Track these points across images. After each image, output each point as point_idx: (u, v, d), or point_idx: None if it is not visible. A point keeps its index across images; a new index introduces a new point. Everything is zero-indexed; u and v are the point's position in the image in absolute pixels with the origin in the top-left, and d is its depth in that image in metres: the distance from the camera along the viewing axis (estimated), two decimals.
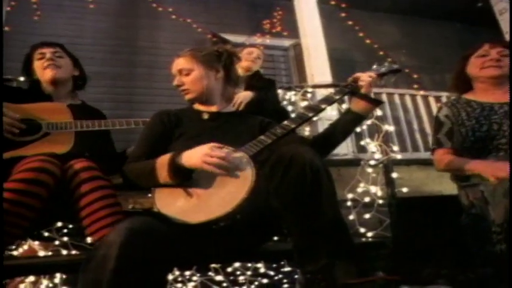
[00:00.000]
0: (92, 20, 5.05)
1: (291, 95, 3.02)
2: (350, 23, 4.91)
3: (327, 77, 3.60)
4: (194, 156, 1.16)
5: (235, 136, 1.36)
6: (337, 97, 1.42)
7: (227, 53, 1.51)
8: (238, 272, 2.04)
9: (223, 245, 1.19)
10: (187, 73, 1.45)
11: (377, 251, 1.56)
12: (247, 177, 1.12)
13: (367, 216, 2.04)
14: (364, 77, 1.42)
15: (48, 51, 1.71)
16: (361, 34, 4.70)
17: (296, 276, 2.25)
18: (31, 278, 1.86)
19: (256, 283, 2.06)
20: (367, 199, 2.16)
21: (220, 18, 5.30)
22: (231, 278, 2.04)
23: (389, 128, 2.44)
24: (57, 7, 4.97)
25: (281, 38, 5.33)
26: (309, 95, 3.05)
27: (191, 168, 1.17)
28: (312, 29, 3.98)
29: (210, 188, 1.16)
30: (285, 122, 1.33)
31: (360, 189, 2.19)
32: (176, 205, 1.15)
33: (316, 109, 1.37)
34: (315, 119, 1.61)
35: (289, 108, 2.92)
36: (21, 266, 1.49)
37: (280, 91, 2.77)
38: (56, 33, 4.41)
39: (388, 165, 2.28)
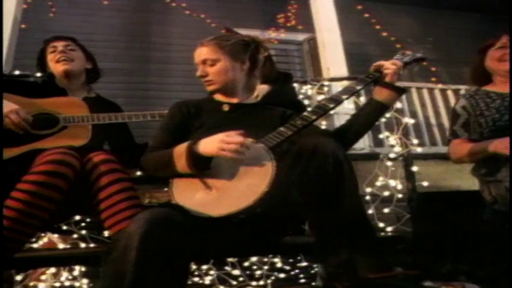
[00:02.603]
0: (106, 17, 5.08)
1: (306, 89, 2.99)
2: (366, 15, 4.82)
3: (343, 71, 3.55)
4: (210, 143, 1.14)
5: (255, 127, 1.33)
6: (359, 87, 1.38)
7: (254, 43, 1.45)
8: (254, 267, 2.03)
9: (242, 238, 1.18)
10: (212, 64, 1.39)
11: (397, 245, 1.54)
12: (267, 170, 1.10)
13: (386, 210, 2.01)
14: (388, 65, 1.38)
15: (60, 45, 1.73)
16: (377, 27, 4.60)
17: (313, 271, 2.24)
18: (52, 270, 1.89)
19: (273, 278, 2.05)
20: (386, 193, 2.12)
21: (233, 13, 5.27)
22: (248, 272, 2.04)
23: (410, 121, 2.39)
24: (72, 4, 5.02)
25: (295, 33, 5.28)
26: (325, 89, 3.01)
27: (208, 157, 1.16)
28: (328, 22, 3.92)
29: (230, 181, 1.15)
30: (305, 113, 1.29)
31: (378, 183, 2.15)
32: (195, 198, 1.14)
33: (338, 100, 1.34)
34: (333, 111, 1.58)
35: (305, 102, 2.89)
36: (41, 257, 1.52)
37: (296, 85, 2.74)
38: (71, 30, 4.44)
39: (408, 159, 2.23)
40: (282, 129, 1.25)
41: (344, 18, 4.23)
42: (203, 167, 1.18)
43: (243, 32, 1.58)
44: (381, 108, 1.36)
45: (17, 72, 3.22)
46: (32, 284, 1.87)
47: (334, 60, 3.64)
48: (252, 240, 1.20)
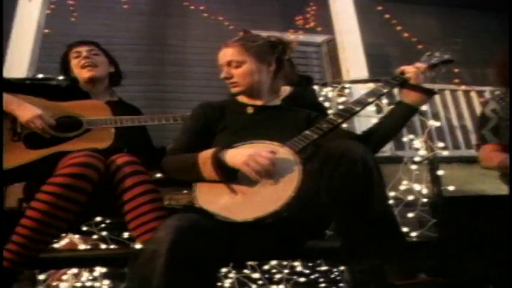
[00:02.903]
0: (126, 20, 5.15)
1: (327, 91, 2.96)
2: (387, 16, 4.74)
3: (363, 73, 3.50)
4: (238, 156, 1.12)
5: (280, 130, 1.31)
6: (385, 90, 1.35)
7: (281, 44, 1.42)
8: (274, 270, 2.02)
9: (267, 243, 1.16)
10: (237, 65, 1.36)
11: (422, 251, 1.50)
12: (294, 174, 1.08)
13: (410, 215, 1.95)
14: (410, 69, 1.35)
15: (83, 50, 1.74)
16: (398, 28, 4.52)
17: (333, 275, 2.20)
18: (74, 270, 1.91)
19: (293, 281, 2.02)
20: (410, 197, 2.07)
21: (252, 15, 5.27)
22: (267, 275, 2.02)
23: (435, 123, 2.33)
24: (93, 8, 5.10)
25: (313, 34, 5.24)
26: (346, 91, 2.97)
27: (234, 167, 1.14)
28: (348, 23, 3.88)
29: (255, 185, 1.12)
30: (331, 117, 1.27)
31: (402, 187, 2.10)
32: (220, 202, 1.12)
33: (364, 103, 1.31)
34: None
35: (325, 104, 2.86)
36: (62, 258, 1.55)
37: (315, 87, 2.71)
38: (91, 34, 4.52)
39: (433, 163, 2.18)
40: (307, 132, 1.23)
41: (364, 19, 4.17)
42: (230, 176, 1.15)
43: (261, 34, 1.55)
44: (409, 111, 1.33)
45: (40, 76, 3.29)
46: (54, 283, 1.89)
47: (354, 62, 3.59)
48: (278, 244, 1.19)
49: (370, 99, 1.33)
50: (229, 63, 1.38)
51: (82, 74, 1.73)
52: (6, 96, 1.54)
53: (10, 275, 1.22)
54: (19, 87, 1.66)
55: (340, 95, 2.92)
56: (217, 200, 1.13)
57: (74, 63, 1.75)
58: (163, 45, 5.12)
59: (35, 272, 1.72)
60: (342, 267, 2.17)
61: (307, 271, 2.10)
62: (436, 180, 2.09)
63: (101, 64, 1.75)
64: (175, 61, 5.01)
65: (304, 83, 2.46)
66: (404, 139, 2.65)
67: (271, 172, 1.10)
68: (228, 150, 1.16)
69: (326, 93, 2.94)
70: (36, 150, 1.48)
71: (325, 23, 4.64)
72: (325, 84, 3.02)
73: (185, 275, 0.86)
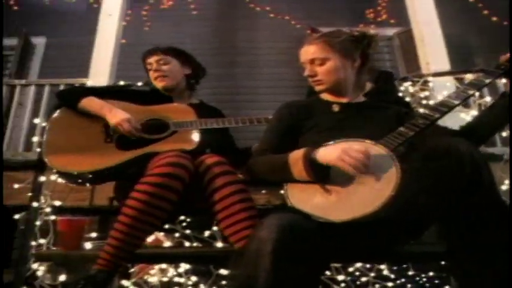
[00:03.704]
0: (194, 26, 5.33)
1: (407, 86, 2.79)
2: (470, 0, 4.32)
3: (444, 65, 3.24)
4: (330, 153, 1.08)
5: (370, 128, 1.25)
6: (488, 81, 1.22)
7: (366, 38, 1.35)
8: (357, 273, 1.94)
9: (359, 244, 1.10)
10: (321, 63, 1.33)
11: None
12: (391, 173, 1.02)
13: None
14: None
15: (153, 61, 1.79)
16: (485, 12, 4.12)
17: (421, 281, 2.07)
18: (162, 266, 1.99)
19: (378, 286, 1.93)
20: None
21: (318, 12, 5.18)
22: (349, 278, 1.94)
23: None
24: (164, 17, 5.35)
25: (384, 27, 5.01)
26: (430, 85, 2.77)
27: (327, 165, 1.10)
28: (425, 13, 3.63)
29: (350, 185, 1.07)
30: (427, 112, 1.18)
31: (504, 187, 1.90)
32: (313, 202, 1.09)
33: (464, 96, 1.20)
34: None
35: (407, 99, 2.70)
36: (151, 254, 1.62)
37: (395, 82, 2.57)
38: (163, 41, 4.74)
39: None
40: (402, 129, 1.15)
41: (442, 7, 3.88)
42: (322, 175, 1.11)
43: (329, 30, 1.49)
44: None
45: (121, 83, 3.51)
46: (145, 277, 1.99)
47: (434, 55, 3.34)
48: (371, 246, 1.12)
49: (471, 91, 1.22)
50: (312, 61, 1.34)
51: (156, 84, 1.80)
52: (99, 101, 1.64)
53: (113, 268, 1.28)
54: (109, 92, 1.75)
55: (423, 90, 2.73)
56: (310, 200, 1.10)
57: (150, 74, 1.83)
58: (232, 48, 5.21)
59: (128, 266, 1.81)
60: (431, 273, 2.03)
61: (392, 276, 1.98)
62: None
63: (170, 73, 1.79)
64: (244, 63, 5.08)
65: (383, 79, 2.35)
66: (504, 134, 2.40)
67: (368, 166, 1.04)
68: (319, 149, 1.13)
69: (406, 88, 2.77)
70: (127, 152, 1.55)
71: (397, 14, 4.41)
72: (405, 79, 2.85)
73: (291, 274, 0.85)
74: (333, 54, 1.32)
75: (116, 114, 1.58)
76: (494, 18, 4.15)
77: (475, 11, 4.38)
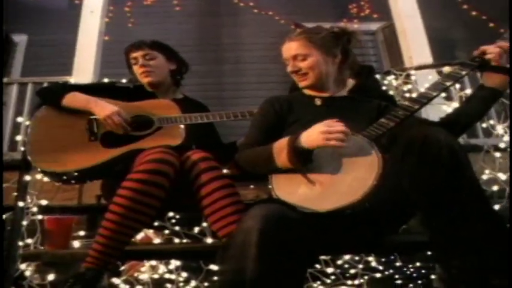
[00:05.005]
0: (178, 22, 5.27)
1: (390, 80, 2.83)
2: None
3: (427, 59, 3.30)
4: (313, 135, 1.10)
5: (351, 121, 1.27)
6: (464, 73, 1.26)
7: (346, 34, 1.40)
8: (346, 265, 1.97)
9: (344, 235, 1.13)
10: (303, 58, 1.36)
11: None
12: (373, 162, 1.05)
13: (496, 207, 1.81)
14: (491, 49, 1.25)
15: (139, 55, 1.78)
16: (464, 6, 4.18)
17: (408, 272, 2.11)
18: (152, 263, 1.99)
19: (367, 277, 1.96)
20: (495, 188, 1.91)
21: (302, 7, 5.18)
22: (338, 271, 1.97)
23: None
24: (147, 14, 5.28)
25: (367, 22, 5.05)
26: (413, 78, 2.82)
27: (310, 150, 1.12)
28: (407, 6, 3.68)
29: (334, 175, 1.10)
30: (407, 103, 1.22)
31: (485, 177, 1.95)
32: (298, 193, 1.11)
33: (441, 87, 1.24)
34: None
35: (391, 93, 2.74)
36: (141, 251, 1.63)
37: (377, 76, 2.61)
38: (147, 38, 4.69)
39: None
40: (383, 120, 1.19)
41: (424, 2, 3.93)
42: (305, 161, 1.14)
43: (313, 25, 1.52)
44: (493, 95, 1.24)
45: (105, 80, 3.48)
46: (135, 274, 1.99)
47: (416, 48, 3.40)
48: (356, 237, 1.15)
49: (448, 83, 1.26)
50: (295, 57, 1.38)
51: (141, 79, 1.79)
52: (83, 96, 1.62)
53: (102, 266, 1.28)
54: (91, 89, 1.73)
55: (406, 83, 2.78)
56: (294, 191, 1.12)
57: (135, 69, 1.81)
58: (216, 45, 5.19)
59: (118, 264, 1.81)
60: (418, 263, 2.07)
61: (380, 267, 2.02)
62: None
63: (156, 68, 1.78)
64: (229, 59, 5.06)
65: (365, 74, 2.38)
66: (484, 125, 2.46)
67: (348, 134, 1.08)
68: (300, 135, 1.15)
69: (390, 82, 2.82)
70: (112, 149, 1.54)
71: (380, 9, 4.45)
72: (387, 73, 2.89)
73: (277, 264, 0.86)
74: (315, 50, 1.36)
75: (104, 108, 1.56)
76: (474, 13, 4.22)
77: (455, 5, 4.44)
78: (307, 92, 1.45)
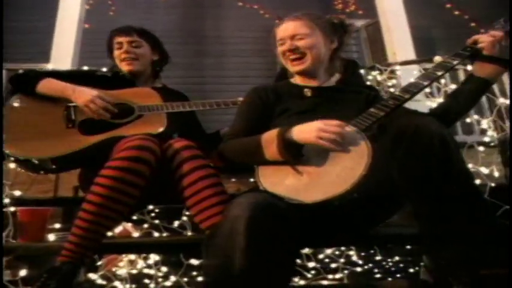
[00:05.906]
0: (162, 14, 5.19)
1: (375, 75, 2.85)
2: None
3: (410, 55, 3.35)
4: (307, 131, 1.08)
5: (341, 111, 1.26)
6: (455, 62, 1.25)
7: (344, 26, 1.39)
8: (327, 260, 1.97)
9: (332, 227, 1.11)
10: (302, 37, 1.32)
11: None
12: (363, 152, 1.02)
13: None
14: (484, 38, 1.24)
15: (125, 41, 1.72)
16: (447, 6, 4.25)
17: (387, 266, 2.13)
18: (130, 257, 1.93)
19: (347, 271, 1.96)
20: (477, 181, 1.94)
21: (287, 2, 5.15)
22: (319, 265, 1.97)
23: (505, 101, 2.15)
24: (130, 3, 5.18)
25: (352, 18, 5.06)
26: (398, 73, 2.84)
27: (301, 144, 1.09)
28: (392, 4, 3.72)
29: (322, 165, 1.07)
30: (397, 93, 1.21)
31: None
32: (285, 184, 1.08)
33: (432, 77, 1.23)
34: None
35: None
36: (119, 244, 1.57)
37: (362, 71, 2.61)
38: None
39: (505, 144, 2.02)
40: (372, 110, 1.17)
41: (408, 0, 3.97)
42: (294, 154, 1.11)
43: None
44: (484, 85, 1.23)
45: (85, 68, 3.37)
46: (113, 269, 1.93)
47: (400, 44, 3.44)
48: (344, 229, 1.13)
49: (439, 73, 1.24)
50: (293, 37, 1.33)
51: (122, 66, 1.73)
52: (59, 83, 1.56)
53: (79, 260, 1.22)
54: (68, 76, 1.67)
55: (391, 78, 2.80)
56: (281, 182, 1.09)
57: (116, 54, 1.75)
58: (199, 37, 5.13)
59: (95, 258, 1.75)
60: (397, 257, 2.09)
61: (360, 261, 2.03)
62: (508, 163, 1.93)
63: (141, 57, 1.73)
64: (212, 52, 5.02)
65: (350, 68, 2.37)
66: (468, 120, 2.50)
67: (345, 138, 1.05)
68: (292, 128, 1.12)
69: (374, 77, 2.83)
70: (91, 136, 1.48)
71: (365, 5, 4.47)
72: (372, 68, 2.91)
73: (267, 254, 0.84)
74: (315, 31, 1.33)
75: (82, 93, 1.50)
76: (457, 12, 4.29)
77: (438, 4, 4.51)
78: (295, 81, 1.42)
